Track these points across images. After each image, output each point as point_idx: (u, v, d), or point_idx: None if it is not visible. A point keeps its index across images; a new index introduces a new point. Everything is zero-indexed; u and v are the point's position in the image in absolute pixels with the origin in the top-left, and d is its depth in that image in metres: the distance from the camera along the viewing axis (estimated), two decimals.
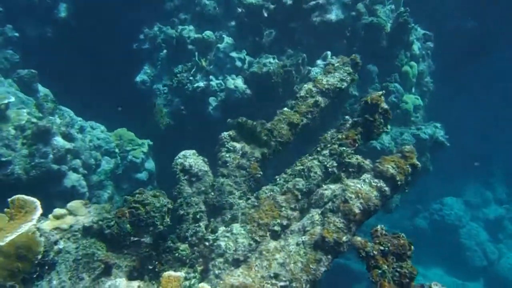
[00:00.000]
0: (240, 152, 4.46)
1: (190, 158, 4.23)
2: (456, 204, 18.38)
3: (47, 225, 3.80)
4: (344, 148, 4.16)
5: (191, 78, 8.44)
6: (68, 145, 6.86)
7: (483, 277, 17.11)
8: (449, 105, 14.31)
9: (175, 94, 8.89)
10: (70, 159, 7.06)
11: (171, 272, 3.25)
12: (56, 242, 3.68)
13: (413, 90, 9.11)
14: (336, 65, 4.96)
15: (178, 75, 8.78)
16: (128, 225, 3.78)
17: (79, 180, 7.12)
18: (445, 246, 16.63)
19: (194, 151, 4.33)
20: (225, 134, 4.60)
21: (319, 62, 7.72)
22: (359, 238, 3.10)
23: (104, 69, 9.37)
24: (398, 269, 2.95)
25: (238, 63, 7.76)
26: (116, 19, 9.68)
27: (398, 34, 8.30)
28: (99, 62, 9.35)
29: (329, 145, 4.29)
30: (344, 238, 3.53)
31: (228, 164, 4.42)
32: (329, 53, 7.74)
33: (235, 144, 4.51)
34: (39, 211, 3.35)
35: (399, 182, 3.74)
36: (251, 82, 7.46)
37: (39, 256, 3.42)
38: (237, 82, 7.46)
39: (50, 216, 3.88)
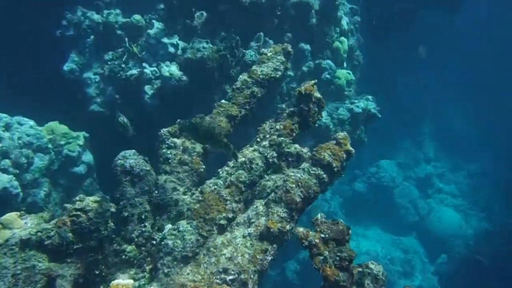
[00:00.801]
0: (181, 147, 4.48)
1: (131, 159, 4.18)
2: (390, 166, 19.40)
3: None
4: (282, 138, 4.29)
5: (123, 65, 8.19)
6: None
7: (415, 231, 18.37)
8: (379, 74, 14.85)
9: (107, 83, 8.60)
10: None
11: (120, 281, 3.25)
12: None
13: (345, 64, 9.40)
14: (269, 54, 5.02)
15: (109, 62, 8.49)
16: (70, 234, 3.71)
17: (10, 181, 6.80)
18: (381, 206, 17.59)
19: (134, 150, 4.27)
20: (164, 130, 4.58)
21: (252, 44, 7.75)
22: (301, 229, 3.26)
23: (24, 60, 8.85)
24: (338, 254, 3.14)
25: (171, 49, 7.60)
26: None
27: (327, 10, 8.48)
28: (18, 52, 8.80)
29: (268, 136, 4.41)
30: (287, 227, 3.69)
31: (170, 161, 4.42)
32: (261, 34, 7.79)
33: (175, 140, 4.51)
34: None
35: (335, 169, 3.94)
36: (186, 69, 7.36)
37: None
38: (172, 69, 7.34)
39: None
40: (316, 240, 3.17)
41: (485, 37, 21.61)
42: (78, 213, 3.70)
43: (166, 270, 3.77)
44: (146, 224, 4.11)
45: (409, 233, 18.46)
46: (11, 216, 3.79)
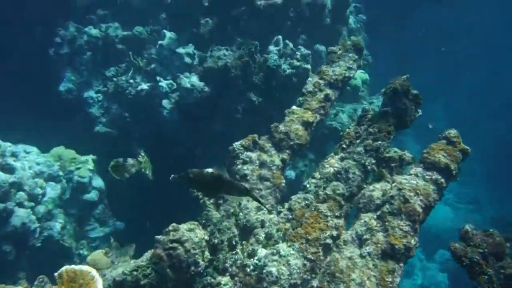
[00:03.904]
0: (258, 161, 3.96)
1: None
2: None
3: None
4: (380, 142, 3.85)
5: (131, 81, 7.56)
6: (12, 177, 5.79)
7: None
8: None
9: (112, 101, 7.94)
10: (14, 193, 5.99)
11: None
12: None
13: None
14: (339, 52, 4.60)
15: (115, 79, 7.83)
16: (168, 270, 3.12)
17: (28, 216, 6.07)
18: None
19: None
20: (237, 144, 4.06)
21: (271, 48, 7.31)
22: (458, 245, 2.83)
23: (16, 82, 8.08)
24: (502, 271, 2.74)
25: (187, 60, 7.05)
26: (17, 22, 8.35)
27: (339, 9, 8.18)
28: (13, 75, 8.03)
29: (357, 141, 3.97)
30: (413, 242, 3.26)
31: (248, 177, 3.89)
32: (280, 37, 7.38)
33: (250, 154, 3.99)
34: (99, 281, 2.60)
35: (453, 172, 3.53)
36: (208, 78, 6.83)
37: None
38: (192, 80, 6.78)
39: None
40: (477, 257, 2.74)
41: None
42: (175, 244, 3.11)
43: None
44: (238, 250, 3.55)
45: None
46: (97, 254, 3.22)
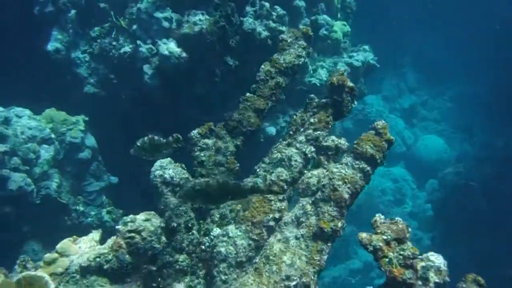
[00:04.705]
0: (214, 148, 4.43)
1: (169, 169, 4.12)
2: (375, 101, 19.68)
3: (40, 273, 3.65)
4: (319, 132, 4.27)
5: (114, 43, 7.82)
6: (3, 147, 6.35)
7: (403, 160, 18.98)
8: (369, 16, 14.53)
9: (99, 61, 8.25)
10: (8, 159, 6.58)
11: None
12: None
13: (339, 15, 9.18)
14: (289, 40, 4.85)
15: (98, 40, 8.08)
16: (127, 256, 3.74)
17: (24, 179, 6.72)
18: None
19: (169, 159, 4.20)
20: (194, 132, 4.49)
21: (248, 9, 7.45)
22: (364, 235, 3.35)
23: (4, 43, 8.34)
24: (401, 253, 3.27)
25: (165, 24, 7.22)
26: None
27: None
28: None
29: (301, 129, 4.39)
30: (339, 224, 3.79)
31: (205, 163, 4.39)
32: None
33: (207, 141, 4.44)
34: (52, 286, 3.20)
35: (378, 160, 3.99)
36: (185, 44, 7.07)
37: None
38: (170, 47, 7.04)
39: (40, 263, 3.71)
40: (379, 243, 3.27)
41: None
42: (132, 234, 3.71)
43: (223, 277, 3.87)
44: (193, 231, 4.15)
45: (398, 163, 19.08)
46: (65, 243, 3.78)
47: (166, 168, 4.11)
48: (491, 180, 14.72)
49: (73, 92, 8.46)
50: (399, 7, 18.74)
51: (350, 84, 4.25)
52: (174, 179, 4.09)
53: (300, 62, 4.74)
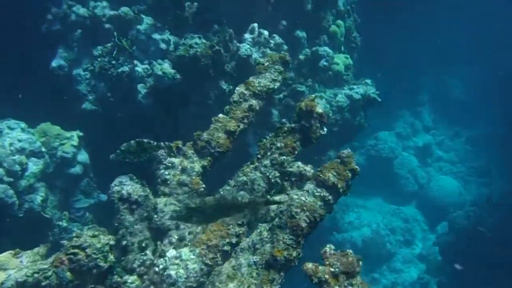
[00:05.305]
0: (180, 167, 4.32)
1: (128, 185, 4.02)
2: (389, 138, 19.34)
3: None
4: (284, 157, 4.13)
5: (113, 62, 7.91)
6: None
7: (415, 199, 18.48)
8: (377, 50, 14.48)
9: (98, 79, 8.34)
10: None
11: None
12: None
13: (343, 48, 9.14)
14: (266, 64, 4.79)
15: (99, 59, 8.20)
16: (68, 273, 3.59)
17: (5, 191, 6.69)
18: (382, 177, 17.57)
19: (130, 175, 4.11)
20: (161, 151, 4.41)
21: (247, 36, 7.49)
22: (310, 265, 3.15)
23: (9, 57, 8.54)
24: (349, 287, 3.06)
25: (163, 45, 7.32)
26: None
27: None
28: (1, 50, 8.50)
29: (269, 153, 4.25)
30: (294, 254, 3.59)
31: (168, 182, 4.27)
32: (256, 25, 7.51)
33: (173, 160, 4.35)
34: None
35: (341, 190, 3.81)
36: (180, 66, 7.11)
37: None
38: (164, 67, 7.08)
39: None
40: (326, 275, 3.07)
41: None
42: (76, 250, 3.57)
43: None
44: (147, 252, 4.00)
45: (409, 202, 18.59)
46: (5, 256, 3.66)
47: (125, 184, 4.02)
48: (505, 227, 14.12)
49: (72, 108, 8.54)
50: (416, 43, 18.61)
51: (319, 110, 4.12)
52: (132, 196, 3.98)
53: (275, 86, 4.65)
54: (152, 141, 4.26)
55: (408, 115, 20.70)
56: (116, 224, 3.97)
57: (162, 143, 4.17)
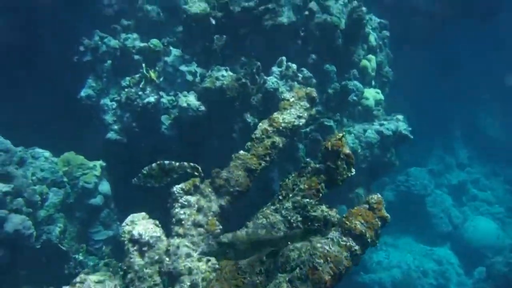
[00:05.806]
0: (196, 206, 4.07)
1: (139, 225, 3.79)
2: (420, 174, 18.64)
3: None
4: (307, 200, 3.82)
5: (140, 93, 7.85)
6: (6, 187, 6.30)
7: (449, 241, 17.61)
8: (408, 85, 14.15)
9: (124, 109, 8.30)
10: (10, 200, 6.50)
11: None
12: None
13: (373, 83, 8.86)
14: (291, 100, 4.56)
15: (126, 89, 8.17)
16: None
17: (23, 222, 6.56)
18: (413, 215, 16.90)
19: (143, 214, 3.89)
20: (177, 187, 4.18)
21: (274, 69, 7.32)
22: None
23: (39, 86, 8.66)
24: None
25: (189, 77, 7.23)
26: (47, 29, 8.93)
27: (353, 30, 7.95)
28: (32, 78, 8.63)
29: (291, 195, 3.96)
30: None
31: (183, 222, 4.02)
32: (284, 58, 7.34)
33: (189, 198, 4.10)
34: None
35: (369, 239, 3.46)
36: (205, 98, 6.97)
37: None
38: (189, 99, 6.95)
39: None
40: None
41: None
42: None
43: None
44: None
45: (443, 243, 17.69)
46: None
47: (136, 224, 3.78)
48: None
49: (97, 137, 8.52)
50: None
51: (347, 150, 3.82)
52: (143, 237, 3.73)
53: (301, 123, 4.39)
54: (174, 162, 4.13)
55: (441, 151, 20.02)
56: (125, 268, 3.71)
57: (185, 163, 4.01)
